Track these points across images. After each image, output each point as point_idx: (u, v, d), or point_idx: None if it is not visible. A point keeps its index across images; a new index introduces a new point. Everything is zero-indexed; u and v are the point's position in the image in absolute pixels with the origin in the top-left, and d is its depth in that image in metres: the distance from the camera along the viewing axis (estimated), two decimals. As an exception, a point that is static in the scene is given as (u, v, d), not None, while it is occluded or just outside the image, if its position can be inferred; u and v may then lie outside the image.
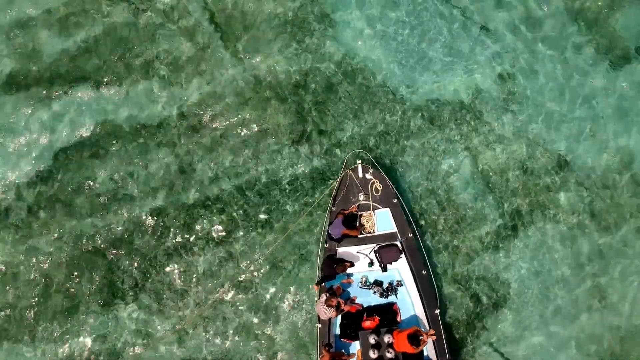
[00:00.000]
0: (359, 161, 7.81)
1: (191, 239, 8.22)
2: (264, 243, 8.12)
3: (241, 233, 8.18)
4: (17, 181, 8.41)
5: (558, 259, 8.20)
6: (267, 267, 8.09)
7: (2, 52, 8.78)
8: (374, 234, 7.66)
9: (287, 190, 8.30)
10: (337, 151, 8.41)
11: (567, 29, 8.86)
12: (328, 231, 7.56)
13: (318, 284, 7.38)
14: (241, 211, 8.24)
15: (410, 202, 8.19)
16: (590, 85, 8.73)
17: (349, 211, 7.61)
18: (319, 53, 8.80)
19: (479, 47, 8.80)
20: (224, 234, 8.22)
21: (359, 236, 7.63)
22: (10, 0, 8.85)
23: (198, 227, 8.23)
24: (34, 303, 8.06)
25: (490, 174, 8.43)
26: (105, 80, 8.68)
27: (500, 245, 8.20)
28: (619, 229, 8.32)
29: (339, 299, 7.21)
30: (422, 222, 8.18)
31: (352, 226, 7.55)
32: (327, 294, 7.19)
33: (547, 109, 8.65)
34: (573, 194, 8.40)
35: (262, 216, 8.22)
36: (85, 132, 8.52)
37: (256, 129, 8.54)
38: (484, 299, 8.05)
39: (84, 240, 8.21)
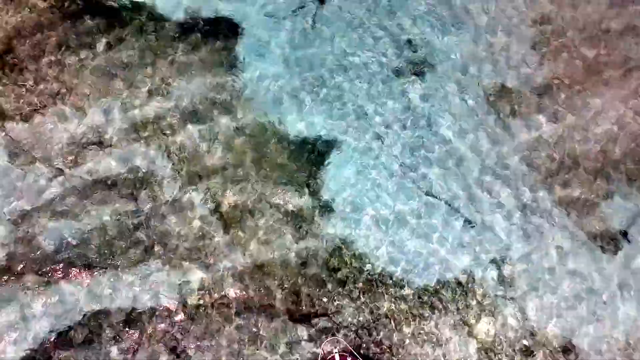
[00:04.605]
0: (336, 350, 7.53)
1: None
2: None
3: None
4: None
5: None
6: None
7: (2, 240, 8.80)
8: None
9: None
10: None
11: (558, 217, 9.00)
12: None
13: None
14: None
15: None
16: (588, 268, 8.72)
17: None
18: (318, 238, 8.83)
19: (475, 234, 8.85)
20: None
21: None
22: (14, 188, 9.06)
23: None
24: None
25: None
26: (103, 265, 8.65)
27: None
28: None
29: None
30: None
31: None
32: None
33: (547, 294, 8.55)
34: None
35: None
36: (77, 319, 8.35)
37: (254, 310, 8.39)
38: None
39: None
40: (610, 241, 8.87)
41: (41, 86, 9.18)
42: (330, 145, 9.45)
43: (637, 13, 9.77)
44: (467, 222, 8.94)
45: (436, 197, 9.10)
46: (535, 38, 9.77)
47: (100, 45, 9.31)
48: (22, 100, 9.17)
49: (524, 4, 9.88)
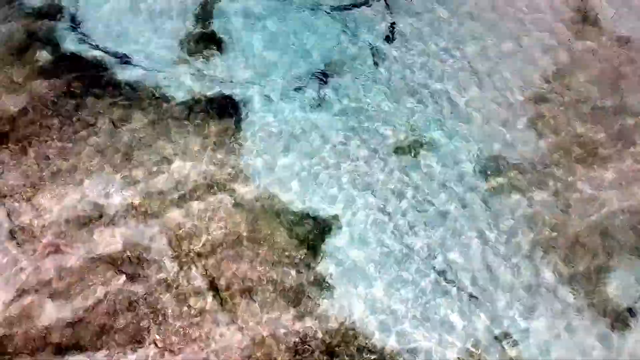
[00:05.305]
0: None
1: None
2: None
3: None
4: None
5: None
6: None
7: (-6, 317, 8.62)
8: None
9: None
10: None
11: (562, 294, 8.84)
12: None
13: None
14: None
15: None
16: (596, 347, 8.50)
17: None
18: (315, 316, 8.65)
19: (478, 312, 8.68)
20: None
21: None
22: (12, 266, 8.99)
23: None
24: None
25: None
26: (99, 348, 8.35)
27: None
28: None
29: None
30: None
31: None
32: None
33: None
34: None
35: None
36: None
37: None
38: None
39: None
40: (617, 317, 8.67)
41: (42, 164, 9.29)
42: (331, 221, 9.43)
43: (630, 93, 10.01)
44: (471, 297, 8.76)
45: (439, 274, 8.93)
46: (530, 116, 9.95)
47: (103, 124, 9.49)
48: (23, 179, 9.27)
49: (518, 82, 10.14)
